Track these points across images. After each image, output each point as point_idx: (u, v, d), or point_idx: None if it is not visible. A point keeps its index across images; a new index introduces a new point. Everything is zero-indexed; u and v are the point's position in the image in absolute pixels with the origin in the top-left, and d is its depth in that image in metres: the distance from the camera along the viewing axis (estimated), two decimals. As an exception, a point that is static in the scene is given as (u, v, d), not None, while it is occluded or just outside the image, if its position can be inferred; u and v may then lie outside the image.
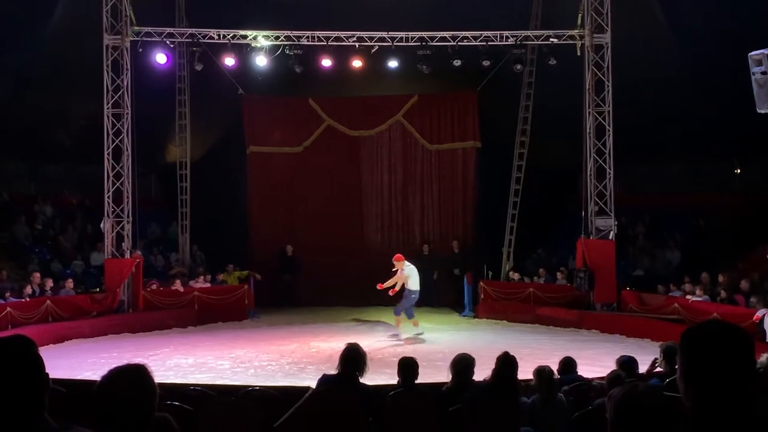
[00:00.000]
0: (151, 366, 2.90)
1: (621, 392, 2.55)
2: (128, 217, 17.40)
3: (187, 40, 18.11)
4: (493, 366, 6.23)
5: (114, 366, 2.81)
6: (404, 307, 15.42)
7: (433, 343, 14.92)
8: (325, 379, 6.27)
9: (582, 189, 17.88)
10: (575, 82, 17.73)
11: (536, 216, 20.81)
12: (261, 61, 18.05)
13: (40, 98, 18.57)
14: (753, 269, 16.15)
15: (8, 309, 14.71)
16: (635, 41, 17.82)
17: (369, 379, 6.40)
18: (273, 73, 18.67)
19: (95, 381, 2.78)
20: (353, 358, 6.04)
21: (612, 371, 7.03)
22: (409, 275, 15.34)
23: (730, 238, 18.52)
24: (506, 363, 6.16)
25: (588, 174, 17.54)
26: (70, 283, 17.09)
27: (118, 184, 17.31)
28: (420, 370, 6.50)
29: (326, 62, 18.34)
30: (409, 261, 15.55)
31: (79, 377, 10.22)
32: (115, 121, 17.30)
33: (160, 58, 18.19)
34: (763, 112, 12.59)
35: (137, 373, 2.80)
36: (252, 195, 21.68)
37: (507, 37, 17.76)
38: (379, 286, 15.44)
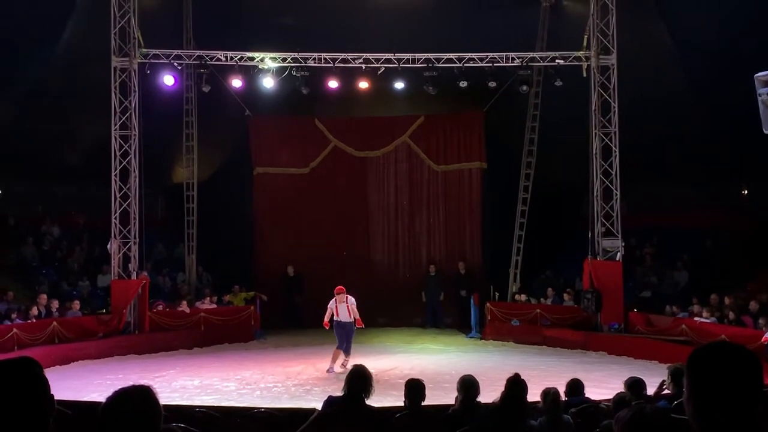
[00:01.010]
0: (157, 388, 2.89)
1: (628, 414, 2.53)
2: (135, 238, 17.44)
3: (194, 62, 18.24)
4: (500, 388, 6.20)
5: (119, 387, 2.81)
6: (351, 343, 14.50)
7: (440, 365, 14.86)
8: (330, 401, 6.23)
9: (589, 210, 17.86)
10: (581, 103, 17.77)
11: (543, 237, 20.77)
12: (268, 83, 18.15)
13: (48, 119, 18.70)
14: (761, 290, 16.08)
15: (15, 330, 14.72)
16: (641, 62, 17.86)
17: (375, 401, 6.37)
18: (280, 94, 18.78)
19: (100, 403, 2.78)
20: (359, 380, 6.00)
21: (618, 393, 6.98)
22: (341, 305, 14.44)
23: (738, 259, 18.46)
24: (516, 385, 6.11)
25: (595, 195, 17.53)
26: (76, 305, 17.11)
27: (125, 205, 17.36)
28: (427, 392, 6.46)
29: (333, 83, 18.42)
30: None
31: (84, 399, 10.20)
32: (122, 142, 17.39)
33: (168, 80, 18.31)
34: (769, 132, 12.58)
35: (142, 395, 2.79)
36: (258, 216, 21.72)
37: (513, 59, 17.84)
38: (325, 325, 14.49)
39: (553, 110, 19.91)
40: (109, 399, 2.77)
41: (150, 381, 13.13)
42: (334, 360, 14.27)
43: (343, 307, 14.28)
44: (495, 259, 21.06)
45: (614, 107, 17.32)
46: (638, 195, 20.06)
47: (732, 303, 15.61)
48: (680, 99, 18.02)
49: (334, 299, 14.36)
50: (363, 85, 18.56)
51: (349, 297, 14.42)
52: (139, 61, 17.51)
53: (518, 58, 17.86)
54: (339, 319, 14.35)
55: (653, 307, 17.51)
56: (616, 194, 17.36)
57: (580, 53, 17.74)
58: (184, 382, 13.24)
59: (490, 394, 6.56)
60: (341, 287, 14.37)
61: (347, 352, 14.47)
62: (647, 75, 18.21)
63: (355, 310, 14.49)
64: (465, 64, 17.78)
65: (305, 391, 12.44)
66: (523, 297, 19.45)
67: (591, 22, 17.47)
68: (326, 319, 14.45)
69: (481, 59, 17.78)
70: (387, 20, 18.95)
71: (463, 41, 18.40)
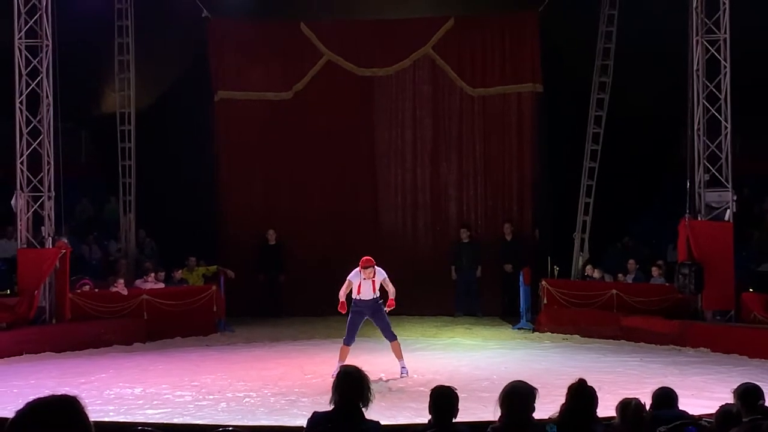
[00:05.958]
0: (84, 398, 2.92)
1: (740, 435, 2.55)
2: (50, 190, 17.46)
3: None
4: (560, 399, 6.24)
5: (32, 399, 2.82)
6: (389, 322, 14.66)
7: (477, 368, 14.94)
8: (316, 419, 6.24)
9: (687, 150, 17.77)
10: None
11: (621, 188, 20.71)
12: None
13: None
14: None
15: None
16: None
17: (388, 416, 6.44)
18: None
19: (6, 419, 2.81)
20: (350, 385, 6.03)
21: (725, 405, 7.03)
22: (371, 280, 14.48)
23: None
24: (581, 395, 6.16)
25: (695, 129, 17.43)
26: (-31, 283, 17.27)
27: (35, 144, 17.35)
28: (459, 404, 6.52)
29: (325, -28, 18.31)
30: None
31: (-17, 413, 10.32)
32: (30, 56, 17.32)
33: (93, -33, 18.21)
34: None
35: (64, 408, 2.81)
36: (222, 159, 21.72)
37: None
38: (341, 307, 14.34)
39: (637, 8, 19.71)
40: (19, 414, 2.79)
41: (74, 389, 13.27)
42: (342, 359, 14.27)
43: (368, 285, 14.24)
44: (554, 219, 21.03)
45: (724, 3, 17.13)
46: (757, 130, 19.90)
47: None
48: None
49: (356, 271, 14.26)
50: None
51: (379, 270, 14.28)
52: (52, -60, 17.40)
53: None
54: (360, 297, 14.30)
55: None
56: (727, 127, 17.23)
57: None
58: (120, 391, 13.34)
59: (545, 406, 6.61)
60: (369, 258, 14.19)
61: (391, 336, 14.46)
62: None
63: (389, 283, 14.35)
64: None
65: (289, 402, 12.53)
66: (596, 273, 19.45)
67: None
68: (342, 295, 14.27)
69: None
70: None
71: None
